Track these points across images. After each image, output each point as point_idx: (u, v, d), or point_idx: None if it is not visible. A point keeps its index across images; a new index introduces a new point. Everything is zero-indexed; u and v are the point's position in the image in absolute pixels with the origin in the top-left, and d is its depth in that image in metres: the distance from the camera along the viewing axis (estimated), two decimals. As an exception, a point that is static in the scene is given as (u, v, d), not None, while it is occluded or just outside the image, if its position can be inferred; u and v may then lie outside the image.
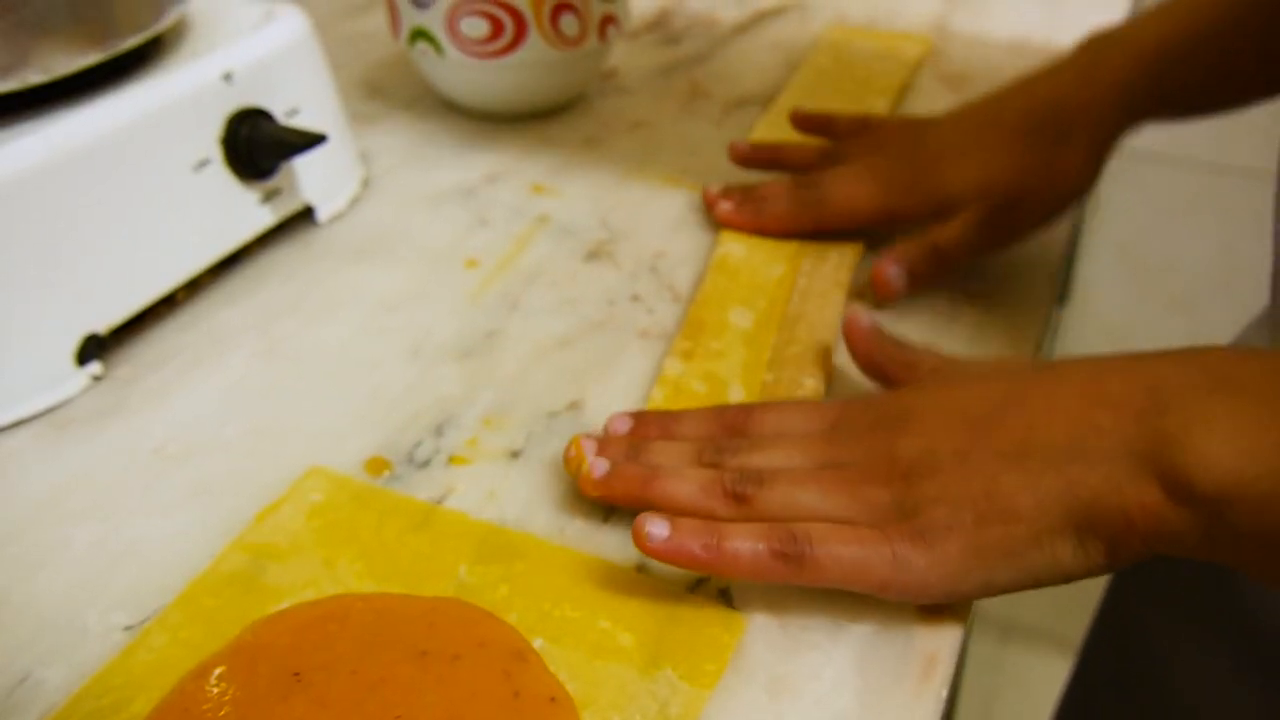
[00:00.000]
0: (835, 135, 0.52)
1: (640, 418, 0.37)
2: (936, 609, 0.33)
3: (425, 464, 0.38)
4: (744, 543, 0.31)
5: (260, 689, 0.29)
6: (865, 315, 0.38)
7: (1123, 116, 0.44)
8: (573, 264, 0.49)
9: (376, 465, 0.38)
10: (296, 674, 0.29)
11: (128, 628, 0.33)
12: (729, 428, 0.36)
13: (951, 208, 0.45)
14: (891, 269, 0.44)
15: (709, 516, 0.32)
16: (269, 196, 0.49)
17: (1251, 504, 0.26)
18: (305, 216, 0.52)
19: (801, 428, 0.35)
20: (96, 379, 0.43)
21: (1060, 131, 0.43)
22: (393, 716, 0.28)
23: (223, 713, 0.28)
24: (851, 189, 0.47)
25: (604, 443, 0.36)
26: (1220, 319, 1.54)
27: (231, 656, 0.30)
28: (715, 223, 0.51)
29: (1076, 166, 0.43)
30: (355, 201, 0.54)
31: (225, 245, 0.47)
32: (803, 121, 0.54)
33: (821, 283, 0.46)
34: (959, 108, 0.48)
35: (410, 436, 0.39)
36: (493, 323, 0.45)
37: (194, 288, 0.47)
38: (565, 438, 0.39)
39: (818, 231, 0.48)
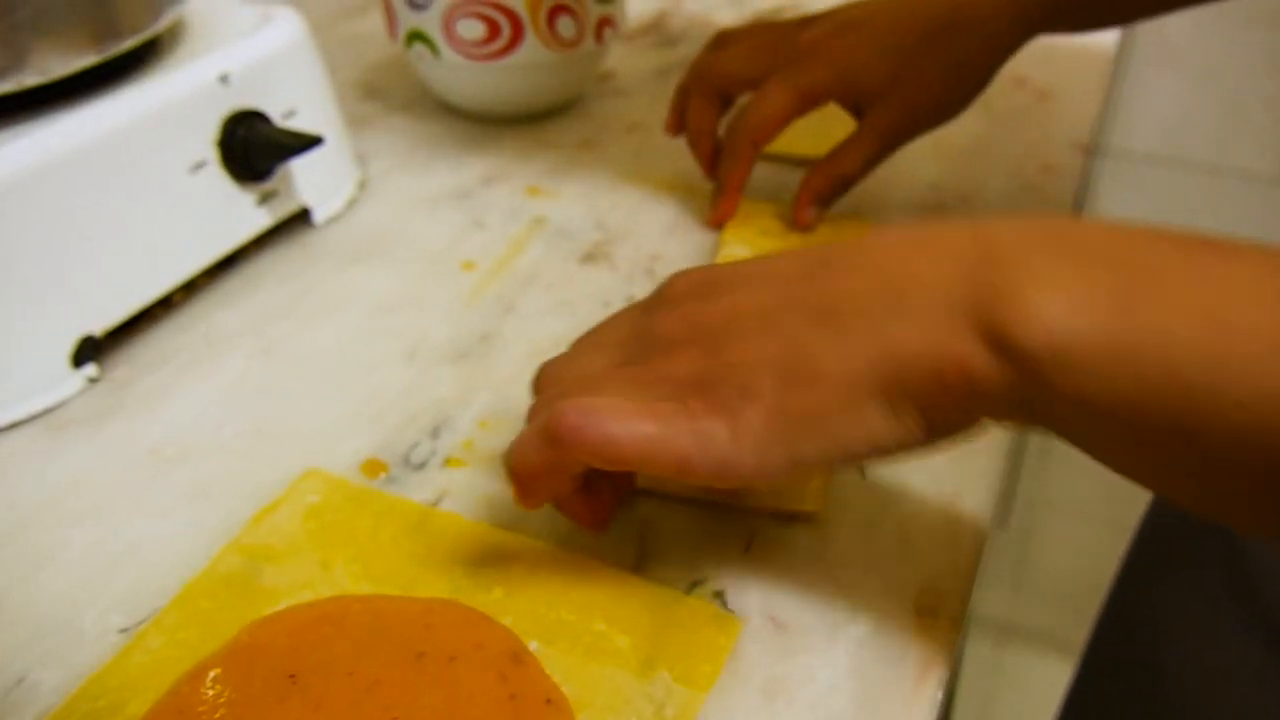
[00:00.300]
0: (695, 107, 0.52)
1: None
2: (932, 610, 0.33)
3: (421, 466, 0.38)
4: (521, 438, 0.30)
5: (256, 690, 0.29)
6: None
7: (1018, 30, 0.46)
8: (569, 266, 0.49)
9: (373, 467, 0.38)
10: (292, 676, 0.29)
11: (124, 629, 0.33)
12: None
13: (865, 96, 0.47)
14: (810, 211, 0.50)
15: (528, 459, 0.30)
16: (265, 198, 0.49)
17: (1077, 365, 0.24)
18: (302, 218, 0.52)
19: (624, 318, 0.33)
20: (93, 381, 0.43)
21: (958, 42, 0.46)
22: (389, 718, 0.28)
23: (218, 715, 0.28)
24: (772, 104, 0.48)
25: None
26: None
27: (227, 658, 0.30)
28: (714, 226, 0.52)
29: (969, 76, 0.47)
30: (352, 203, 0.54)
31: (222, 247, 0.47)
32: (673, 128, 0.54)
33: None
34: (864, 4, 0.49)
35: (406, 438, 0.39)
36: (489, 325, 0.45)
37: (190, 289, 0.47)
38: (561, 440, 0.39)
39: (759, 151, 0.50)
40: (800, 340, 0.27)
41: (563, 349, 0.44)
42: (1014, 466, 1.25)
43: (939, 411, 0.26)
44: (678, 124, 0.53)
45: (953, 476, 0.37)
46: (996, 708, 1.30)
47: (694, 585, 0.33)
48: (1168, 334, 0.23)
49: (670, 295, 0.32)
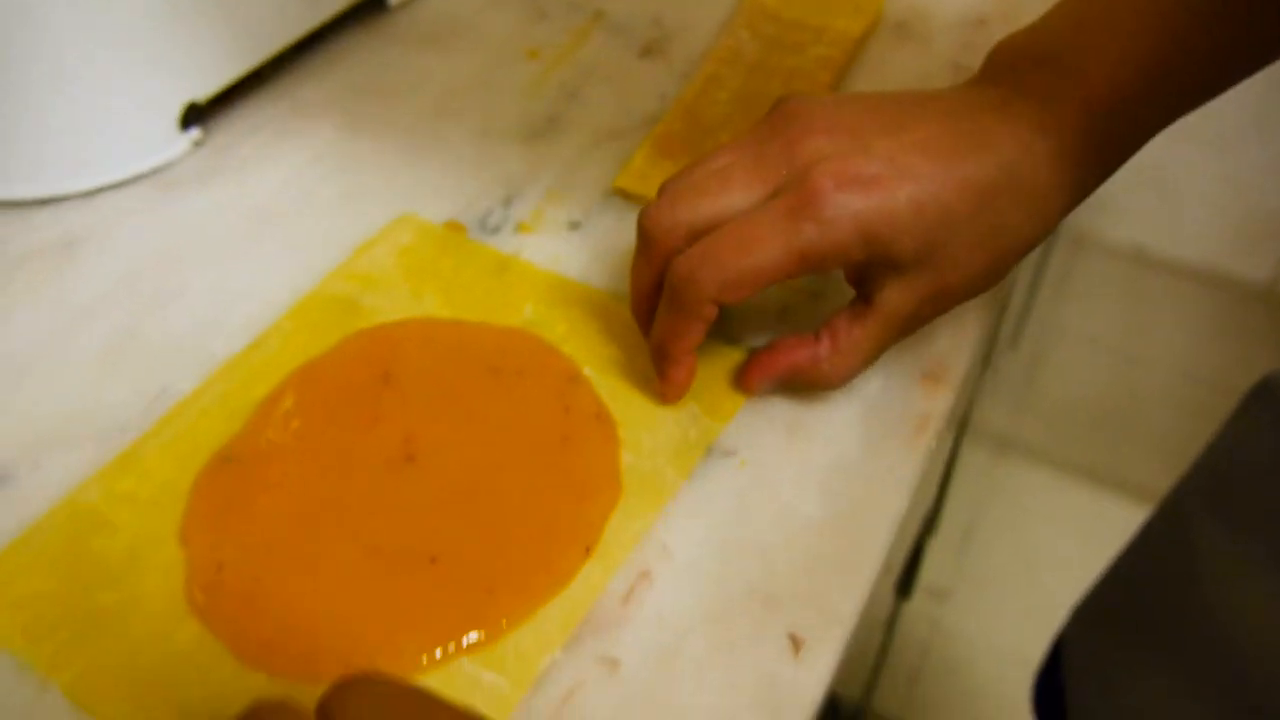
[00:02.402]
0: None
1: None
2: (935, 377, 0.38)
3: (495, 230, 0.43)
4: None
5: (357, 384, 0.35)
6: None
7: (1072, 199, 0.36)
8: (627, 59, 0.53)
9: (452, 228, 0.43)
10: (386, 375, 0.35)
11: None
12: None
13: (886, 268, 0.34)
14: (761, 385, 0.37)
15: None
16: (344, -21, 0.52)
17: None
18: (375, 3, 0.55)
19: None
20: (197, 144, 0.47)
21: (1007, 212, 0.34)
22: (465, 415, 0.34)
23: (328, 399, 0.35)
24: (764, 257, 0.33)
25: None
26: (1257, 160, 1.54)
27: (334, 357, 0.36)
28: (666, 402, 0.37)
29: (1010, 254, 0.35)
30: (421, -11, 0.57)
31: (306, 24, 0.51)
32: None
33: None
34: (867, 101, 0.36)
35: (481, 206, 0.44)
36: (553, 109, 0.49)
37: (278, 65, 0.51)
38: (621, 216, 0.44)
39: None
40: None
41: (621, 137, 0.48)
42: (1030, 292, 1.29)
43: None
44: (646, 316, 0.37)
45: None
46: (985, 512, 1.39)
47: (730, 344, 0.39)
48: None
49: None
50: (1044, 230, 0.36)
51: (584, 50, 0.53)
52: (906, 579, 0.88)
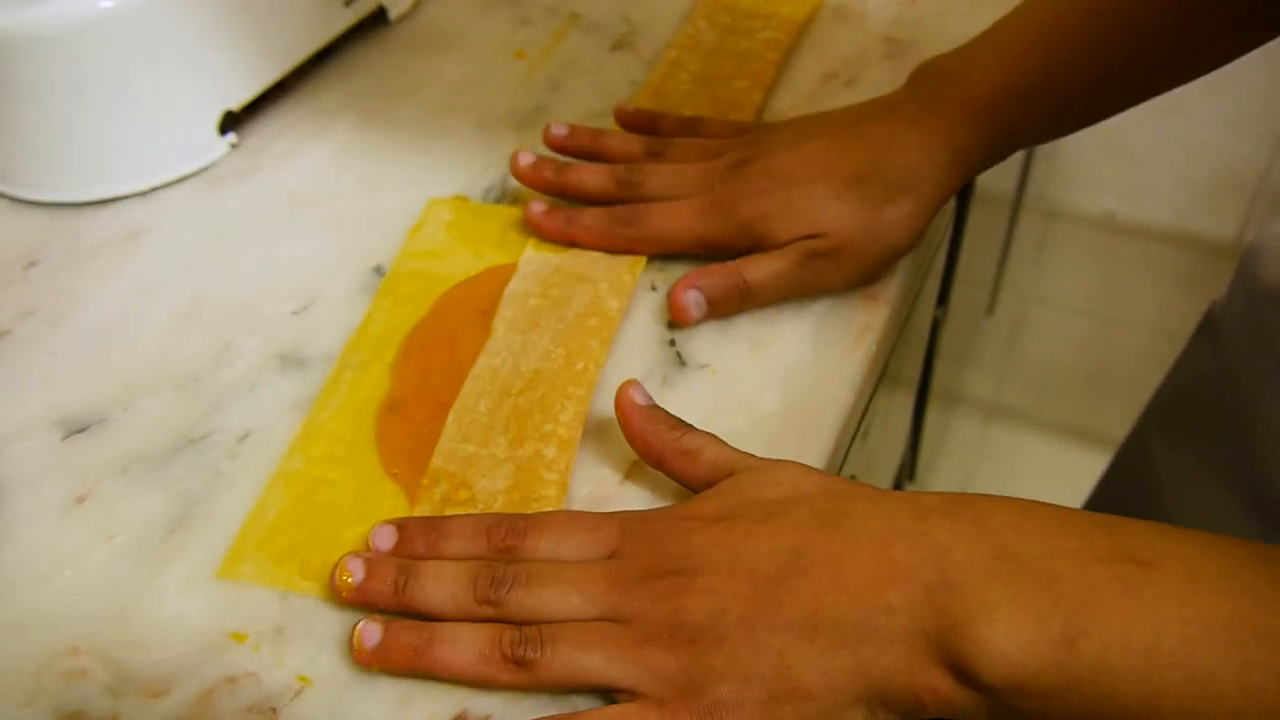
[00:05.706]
0: (660, 133, 0.51)
1: (405, 530, 0.36)
2: (873, 296, 0.46)
3: (496, 202, 0.50)
4: (462, 648, 0.32)
5: (463, 321, 0.44)
6: (640, 392, 0.39)
7: (954, 176, 0.45)
8: (601, 53, 0.60)
9: (461, 201, 0.50)
10: (483, 311, 0.44)
11: (295, 313, 0.46)
12: (500, 550, 0.35)
13: (771, 248, 0.44)
14: (691, 295, 0.44)
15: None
16: (350, 0, 0.59)
17: (1032, 694, 0.28)
18: (378, 17, 0.62)
19: (577, 554, 0.35)
20: (234, 146, 0.55)
21: (890, 189, 0.44)
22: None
23: (450, 332, 0.44)
24: (669, 221, 0.46)
25: (371, 565, 0.34)
26: (1211, 121, 1.61)
27: (436, 312, 0.45)
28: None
29: (902, 224, 0.44)
30: (417, 4, 0.64)
31: (320, 39, 0.58)
32: (628, 119, 0.52)
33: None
34: (796, 125, 0.47)
35: (483, 183, 0.52)
36: (540, 100, 0.57)
37: (299, 75, 0.58)
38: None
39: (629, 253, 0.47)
40: (786, 656, 0.30)
41: (600, 118, 0.55)
42: (1001, 259, 1.36)
43: (917, 717, 0.30)
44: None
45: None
46: (978, 478, 1.45)
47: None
48: (1107, 666, 0.27)
49: (637, 567, 0.33)
50: (921, 205, 0.44)
51: (563, 48, 0.61)
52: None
